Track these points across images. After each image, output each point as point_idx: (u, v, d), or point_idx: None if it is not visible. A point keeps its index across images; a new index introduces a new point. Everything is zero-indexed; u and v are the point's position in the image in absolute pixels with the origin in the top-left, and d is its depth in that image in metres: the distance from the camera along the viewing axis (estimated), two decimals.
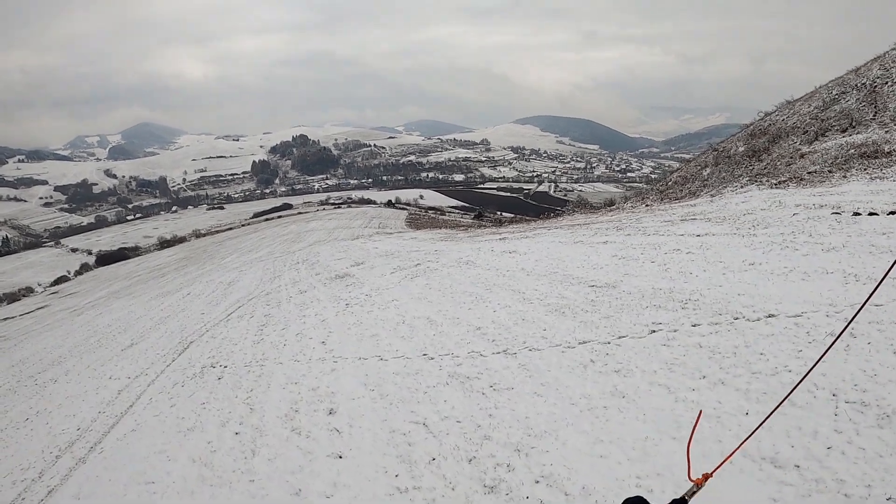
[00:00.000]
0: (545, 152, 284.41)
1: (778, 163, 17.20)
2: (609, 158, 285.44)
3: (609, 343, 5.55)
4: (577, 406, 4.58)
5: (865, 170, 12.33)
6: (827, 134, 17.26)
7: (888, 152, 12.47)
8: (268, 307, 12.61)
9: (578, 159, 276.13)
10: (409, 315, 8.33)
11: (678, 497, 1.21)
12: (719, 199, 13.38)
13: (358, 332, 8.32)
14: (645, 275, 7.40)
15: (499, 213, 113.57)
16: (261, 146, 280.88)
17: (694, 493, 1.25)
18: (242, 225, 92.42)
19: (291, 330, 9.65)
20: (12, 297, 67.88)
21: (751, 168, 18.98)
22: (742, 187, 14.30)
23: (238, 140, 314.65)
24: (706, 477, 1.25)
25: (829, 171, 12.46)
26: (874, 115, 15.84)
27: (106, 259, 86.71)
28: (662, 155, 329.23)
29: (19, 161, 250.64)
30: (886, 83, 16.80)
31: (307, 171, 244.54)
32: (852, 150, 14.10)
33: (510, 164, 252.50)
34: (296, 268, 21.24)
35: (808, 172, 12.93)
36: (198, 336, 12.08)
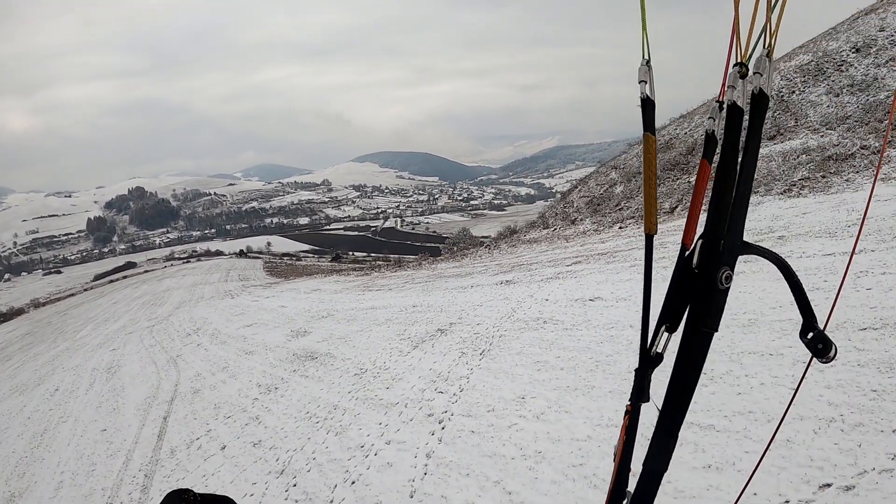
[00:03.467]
0: (387, 188, 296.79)
1: None
2: (450, 189, 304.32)
3: None
4: None
5: (838, 172, 14.17)
6: None
7: (850, 154, 14.50)
8: (234, 424, 9.09)
9: (420, 192, 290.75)
10: None
11: None
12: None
13: None
14: None
15: (352, 253, 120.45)
16: (95, 202, 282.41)
17: None
18: (85, 289, 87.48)
19: None
20: None
21: (688, 181, 20.86)
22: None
23: (70, 196, 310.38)
24: None
25: (822, 176, 14.00)
26: (796, 122, 18.46)
27: None
28: (501, 181, 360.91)
29: None
30: (793, 92, 19.80)
31: (146, 225, 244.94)
32: (803, 156, 16.19)
33: (354, 202, 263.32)
34: (192, 341, 18.71)
35: (800, 179, 14.40)
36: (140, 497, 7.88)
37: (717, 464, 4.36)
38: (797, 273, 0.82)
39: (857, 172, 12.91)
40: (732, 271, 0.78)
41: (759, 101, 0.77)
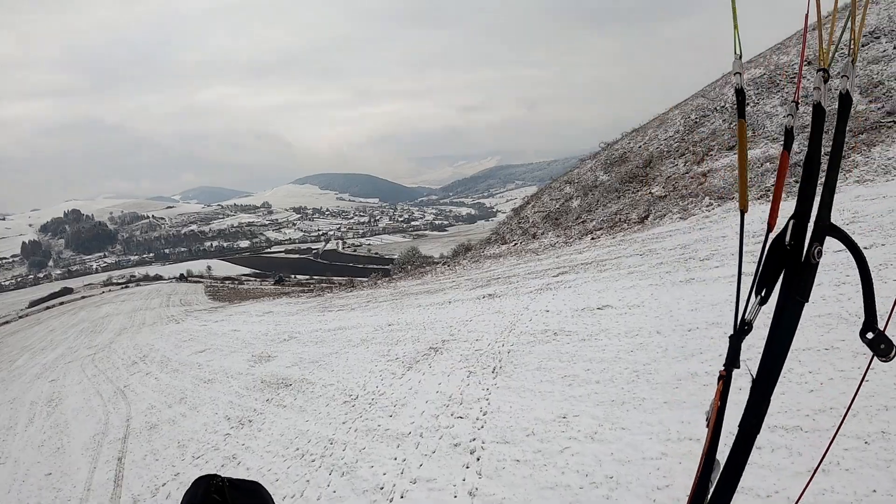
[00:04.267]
0: (328, 210, 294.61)
1: (684, 184, 19.35)
2: (391, 210, 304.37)
3: None
4: None
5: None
6: (712, 153, 20.15)
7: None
8: (207, 466, 7.80)
9: (361, 214, 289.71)
10: None
11: None
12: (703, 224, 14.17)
13: None
14: None
15: (294, 275, 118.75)
16: (30, 225, 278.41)
17: None
18: (20, 316, 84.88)
19: None
20: None
21: (650, 192, 21.08)
22: (686, 211, 15.61)
23: (4, 219, 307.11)
24: None
25: (795, 181, 14.29)
26: (754, 133, 19.01)
27: None
28: (442, 202, 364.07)
29: None
30: (747, 104, 20.46)
31: (83, 249, 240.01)
32: (767, 164, 16.62)
33: (294, 225, 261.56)
34: (140, 370, 17.50)
35: (773, 185, 14.65)
36: None
37: (822, 466, 3.92)
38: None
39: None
40: (822, 247, 0.83)
41: (845, 100, 0.86)
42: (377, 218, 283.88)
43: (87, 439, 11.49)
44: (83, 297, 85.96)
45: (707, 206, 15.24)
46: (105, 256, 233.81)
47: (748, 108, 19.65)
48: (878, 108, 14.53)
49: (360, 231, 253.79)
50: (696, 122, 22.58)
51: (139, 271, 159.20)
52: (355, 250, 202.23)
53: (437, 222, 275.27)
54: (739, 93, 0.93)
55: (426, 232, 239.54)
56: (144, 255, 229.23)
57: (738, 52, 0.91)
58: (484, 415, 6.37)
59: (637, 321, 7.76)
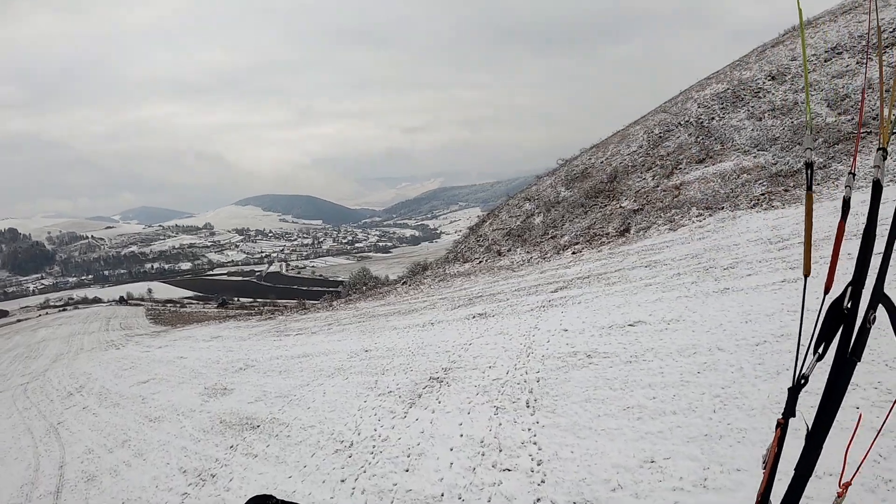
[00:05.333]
0: (270, 232, 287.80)
1: (658, 197, 18.92)
2: (335, 232, 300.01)
3: None
4: None
5: (798, 185, 14.29)
6: (681, 167, 19.89)
7: (797, 170, 14.73)
8: None
9: (305, 235, 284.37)
10: None
11: None
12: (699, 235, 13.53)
13: None
14: None
15: (238, 298, 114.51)
16: None
17: None
18: None
19: None
20: None
21: (620, 206, 20.58)
22: (673, 223, 15.05)
23: None
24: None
25: (784, 190, 13.91)
26: (722, 146, 18.88)
27: None
28: (385, 223, 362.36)
29: None
30: (713, 118, 20.39)
31: (19, 270, 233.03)
32: (744, 175, 16.34)
33: (237, 247, 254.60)
34: (76, 403, 15.96)
35: (762, 194, 14.23)
36: None
37: None
38: None
39: (818, 184, 12.85)
40: (876, 313, 0.86)
41: None
42: (321, 240, 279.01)
43: (13, 491, 9.70)
44: (18, 321, 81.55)
45: (697, 216, 14.67)
46: (42, 278, 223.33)
47: (714, 122, 19.56)
48: (849, 120, 14.46)
49: (304, 253, 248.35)
50: (660, 137, 22.40)
51: (78, 294, 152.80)
52: (299, 272, 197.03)
53: (381, 244, 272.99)
54: (809, 166, 0.96)
55: (370, 254, 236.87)
56: (83, 277, 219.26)
57: (810, 125, 0.87)
58: (538, 465, 5.10)
59: (685, 337, 6.75)
